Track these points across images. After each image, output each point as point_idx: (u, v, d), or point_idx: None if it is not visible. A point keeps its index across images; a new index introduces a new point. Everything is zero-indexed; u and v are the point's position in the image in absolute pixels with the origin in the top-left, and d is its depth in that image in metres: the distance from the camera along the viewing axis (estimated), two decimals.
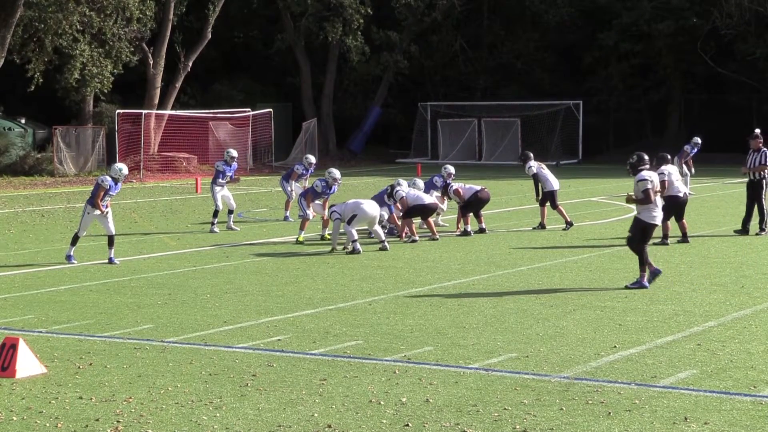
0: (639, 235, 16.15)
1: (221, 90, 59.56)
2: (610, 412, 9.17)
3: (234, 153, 26.35)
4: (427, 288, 16.11)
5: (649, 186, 16.00)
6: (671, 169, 21.36)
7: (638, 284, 15.86)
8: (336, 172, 22.99)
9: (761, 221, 22.56)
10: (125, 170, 19.98)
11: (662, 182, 19.26)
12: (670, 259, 18.88)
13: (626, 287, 15.79)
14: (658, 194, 16.35)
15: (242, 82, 61.00)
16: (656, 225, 16.34)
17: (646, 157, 16.57)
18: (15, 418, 9.22)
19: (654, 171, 16.69)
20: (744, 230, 22.47)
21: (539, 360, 11.13)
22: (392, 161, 58.30)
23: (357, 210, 20.70)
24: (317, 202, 23.16)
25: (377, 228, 21.19)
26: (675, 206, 21.05)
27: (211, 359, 11.35)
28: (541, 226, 24.23)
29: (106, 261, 19.35)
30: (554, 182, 24.24)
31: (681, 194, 21.33)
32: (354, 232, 20.64)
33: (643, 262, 15.97)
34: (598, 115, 58.35)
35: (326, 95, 61.99)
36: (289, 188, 27.25)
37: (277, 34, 60.10)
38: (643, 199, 16.00)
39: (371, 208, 21.02)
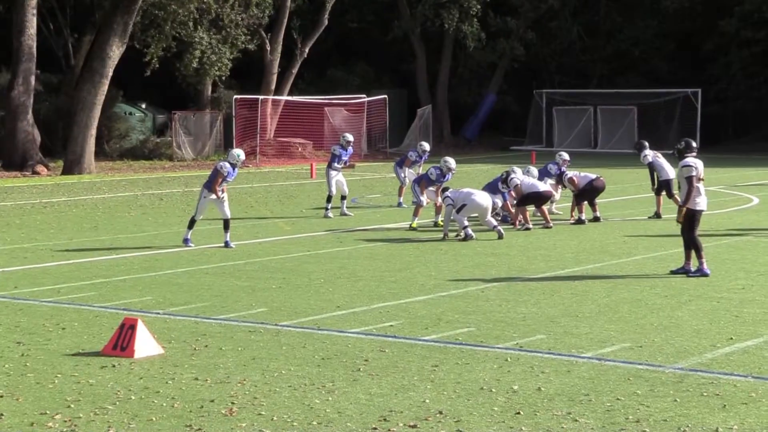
0: (687, 223, 16.05)
1: (337, 76, 59.87)
2: (725, 405, 9.04)
3: (350, 137, 26.43)
4: (540, 276, 16.03)
5: (693, 173, 15.89)
6: None
7: (700, 272, 15.68)
8: (451, 162, 22.92)
9: None
10: (242, 156, 20.26)
11: None
12: None
13: (674, 272, 15.89)
14: (702, 181, 16.13)
15: (358, 68, 61.23)
16: (702, 210, 16.17)
17: (694, 144, 16.57)
18: (133, 397, 9.41)
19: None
20: None
21: (653, 350, 11.02)
22: (506, 149, 58.05)
23: (467, 200, 20.66)
24: (431, 188, 23.18)
25: (489, 219, 21.09)
26: None
27: (323, 343, 11.46)
28: (657, 215, 23.95)
29: (222, 245, 19.62)
30: (670, 171, 23.92)
31: None
32: (464, 219, 20.61)
33: (698, 249, 15.84)
34: (717, 103, 57.36)
35: (441, 82, 61.94)
36: (402, 174, 27.27)
37: (393, 20, 60.21)
38: (687, 186, 15.91)
39: (482, 199, 20.95)
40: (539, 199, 22.51)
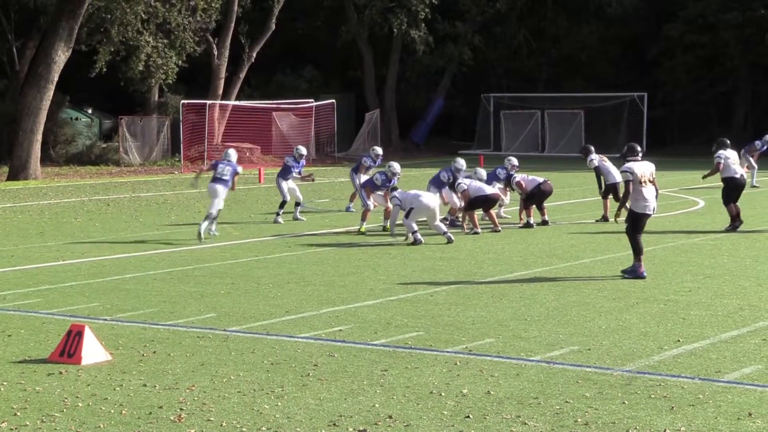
0: (630, 225, 16.40)
1: (285, 81, 59.79)
2: (673, 407, 9.10)
3: (303, 150, 26.24)
4: (489, 280, 16.08)
5: (630, 178, 16.19)
6: (728, 153, 22.13)
7: (632, 273, 15.86)
8: (396, 166, 22.98)
9: None
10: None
11: (717, 164, 21.86)
12: (735, 254, 18.70)
13: (622, 274, 16.08)
14: (649, 184, 16.36)
15: (306, 72, 61.18)
16: (647, 214, 16.43)
17: (638, 148, 16.88)
18: (81, 405, 9.33)
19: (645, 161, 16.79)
20: None
21: (601, 353, 11.07)
22: (455, 152, 58.16)
23: (415, 202, 20.66)
24: (378, 193, 23.20)
25: (438, 224, 21.07)
26: (733, 188, 22.01)
27: (273, 348, 11.42)
28: (604, 218, 24.08)
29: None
30: (617, 175, 24.04)
31: (738, 176, 22.13)
32: (413, 224, 20.63)
33: (637, 252, 16.12)
34: (663, 107, 57.86)
35: (389, 86, 62.02)
36: (357, 181, 27.06)
37: (341, 25, 60.22)
38: (625, 188, 16.43)
39: (430, 200, 20.95)
40: (487, 202, 22.56)
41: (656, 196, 16.64)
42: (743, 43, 57.13)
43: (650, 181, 16.42)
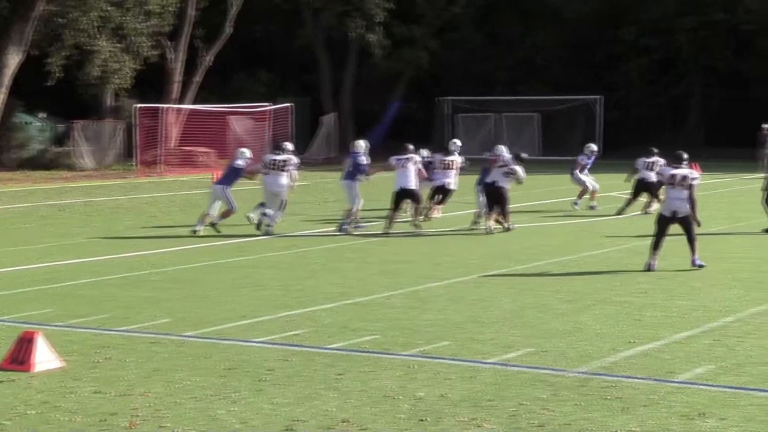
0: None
1: (241, 84, 59.64)
2: (626, 408, 9.14)
3: (248, 153, 25.57)
4: (445, 283, 16.09)
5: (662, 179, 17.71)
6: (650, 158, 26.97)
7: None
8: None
9: None
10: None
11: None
12: (688, 255, 18.81)
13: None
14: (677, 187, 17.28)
15: (262, 76, 61.05)
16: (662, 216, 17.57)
17: (682, 156, 17.80)
18: (32, 412, 9.24)
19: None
20: None
21: (556, 355, 11.11)
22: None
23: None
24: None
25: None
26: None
27: (227, 354, 11.37)
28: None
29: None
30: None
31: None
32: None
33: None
34: (617, 110, 58.19)
35: (346, 90, 62.03)
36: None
37: (297, 29, 60.15)
38: None
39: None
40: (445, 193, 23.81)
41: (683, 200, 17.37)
42: (697, 47, 57.58)
43: (679, 185, 17.22)
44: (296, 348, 11.61)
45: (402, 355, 11.23)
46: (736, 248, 19.83)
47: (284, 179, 23.36)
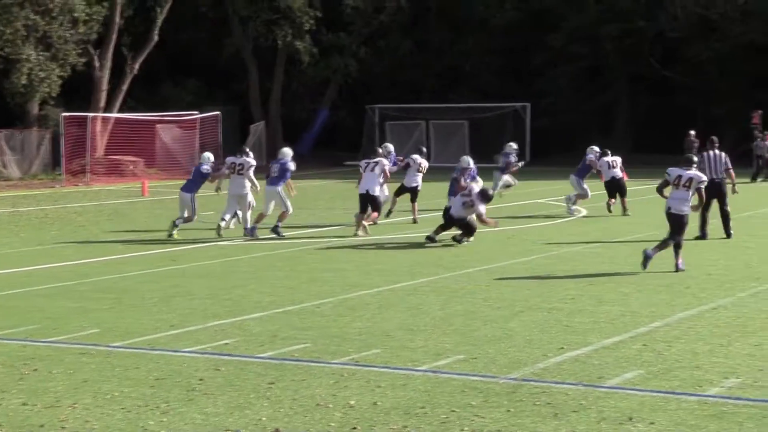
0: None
1: (169, 93, 59.25)
2: (557, 413, 9.20)
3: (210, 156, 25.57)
4: (375, 290, 16.09)
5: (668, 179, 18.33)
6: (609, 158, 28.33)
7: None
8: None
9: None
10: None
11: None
12: (616, 261, 19.01)
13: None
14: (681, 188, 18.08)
15: (190, 85, 60.72)
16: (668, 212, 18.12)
17: (692, 158, 18.61)
18: None
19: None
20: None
21: (487, 362, 11.16)
22: (340, 164, 58.26)
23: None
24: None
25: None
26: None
27: (157, 364, 11.28)
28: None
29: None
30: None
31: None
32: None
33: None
34: (546, 117, 58.59)
35: (274, 98, 61.91)
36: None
37: (225, 37, 59.92)
38: None
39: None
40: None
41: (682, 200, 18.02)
42: (623, 55, 58.18)
43: (683, 186, 17.95)
44: (227, 357, 11.55)
45: (333, 363, 11.21)
46: (663, 254, 20.01)
47: (247, 181, 23.98)
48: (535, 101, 58.14)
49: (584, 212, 28.69)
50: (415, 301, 15.03)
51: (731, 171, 22.35)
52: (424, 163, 27.17)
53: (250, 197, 24.16)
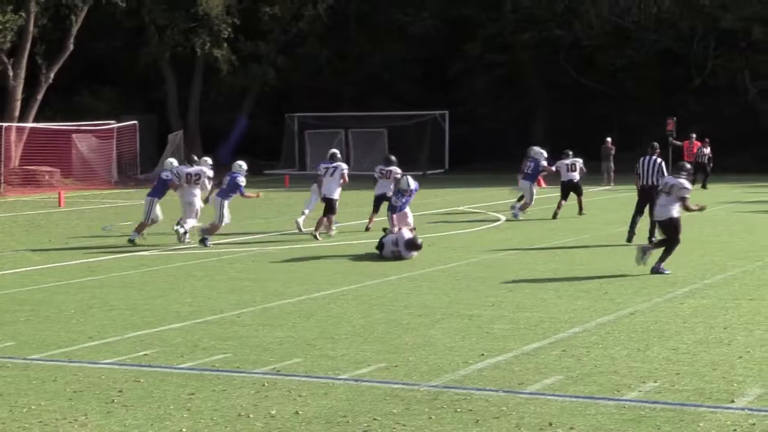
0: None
1: (85, 102, 58.66)
2: (478, 420, 9.24)
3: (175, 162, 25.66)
4: (297, 299, 16.05)
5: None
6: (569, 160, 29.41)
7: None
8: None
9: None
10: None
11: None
12: (535, 267, 19.15)
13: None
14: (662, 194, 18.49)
15: (106, 94, 60.15)
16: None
17: (685, 166, 18.79)
18: None
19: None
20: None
21: (408, 369, 11.17)
22: (260, 172, 58.08)
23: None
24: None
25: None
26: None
27: (75, 376, 11.14)
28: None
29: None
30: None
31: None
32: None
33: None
34: (464, 125, 58.93)
35: (192, 106, 61.58)
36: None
37: (142, 45, 59.46)
38: None
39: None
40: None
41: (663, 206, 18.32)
42: (539, 63, 58.72)
43: (666, 193, 18.23)
44: (146, 368, 11.44)
45: (254, 373, 11.15)
46: (581, 260, 20.24)
47: (197, 190, 24.35)
48: (454, 109, 58.46)
49: (503, 219, 28.88)
50: (336, 310, 15.02)
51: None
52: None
53: (198, 206, 24.44)
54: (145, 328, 13.84)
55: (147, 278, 18.83)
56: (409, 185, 22.45)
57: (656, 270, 17.93)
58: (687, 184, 18.19)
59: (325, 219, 24.70)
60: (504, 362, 11.44)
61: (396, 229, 21.41)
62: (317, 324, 13.94)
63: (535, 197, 29.68)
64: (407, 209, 22.42)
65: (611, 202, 33.78)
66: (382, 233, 21.80)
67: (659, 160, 22.61)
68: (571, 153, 30.15)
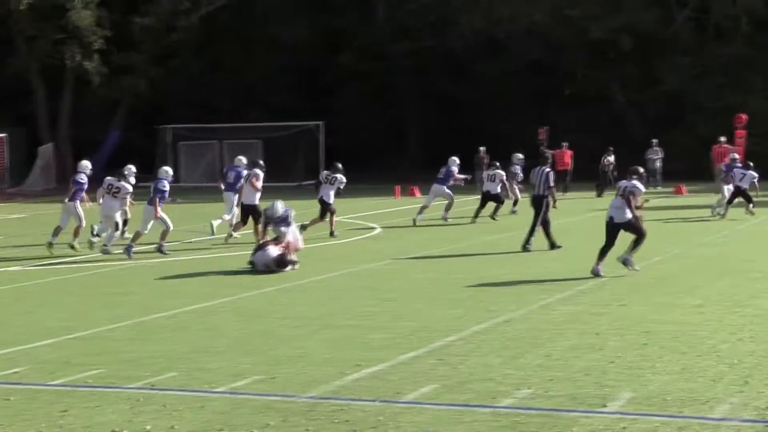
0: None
1: None
2: (355, 430, 9.24)
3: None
4: (171, 313, 15.87)
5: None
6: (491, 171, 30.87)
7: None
8: None
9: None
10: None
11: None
12: (410, 276, 19.25)
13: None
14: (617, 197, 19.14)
15: None
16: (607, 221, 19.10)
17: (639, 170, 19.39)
18: None
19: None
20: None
21: (285, 381, 11.12)
22: (136, 185, 57.34)
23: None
24: None
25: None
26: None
27: None
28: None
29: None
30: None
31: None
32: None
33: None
34: (339, 135, 59.02)
35: (63, 119, 60.60)
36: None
37: (9, 56, 58.35)
38: None
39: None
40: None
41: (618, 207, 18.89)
42: (413, 73, 59.13)
43: (620, 196, 18.89)
44: (16, 386, 11.19)
45: (128, 388, 10.99)
46: (457, 268, 20.39)
47: (117, 203, 24.51)
48: (330, 119, 58.50)
49: (379, 230, 28.98)
50: (212, 323, 14.89)
51: (552, 189, 23.18)
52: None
53: (117, 218, 24.57)
54: (15, 345, 13.55)
55: (18, 294, 18.46)
56: (276, 211, 21.63)
57: (625, 261, 18.74)
58: (640, 185, 19.02)
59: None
60: (380, 372, 11.46)
61: (271, 245, 20.98)
62: (193, 337, 13.81)
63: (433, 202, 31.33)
64: (295, 232, 21.88)
65: (485, 210, 34.14)
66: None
67: (547, 170, 23.17)
68: (498, 164, 32.36)
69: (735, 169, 30.36)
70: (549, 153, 32.69)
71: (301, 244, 21.65)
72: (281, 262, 20.46)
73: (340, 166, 27.95)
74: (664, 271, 19.14)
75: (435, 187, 31.40)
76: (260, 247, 20.93)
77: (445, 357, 12.16)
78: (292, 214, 21.67)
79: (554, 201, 23.55)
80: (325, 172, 28.15)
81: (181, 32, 60.17)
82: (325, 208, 27.28)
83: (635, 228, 18.86)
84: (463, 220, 31.12)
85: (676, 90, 54.83)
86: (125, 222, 25.89)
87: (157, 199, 24.05)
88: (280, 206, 21.71)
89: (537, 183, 23.07)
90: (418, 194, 38.29)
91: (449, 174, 31.44)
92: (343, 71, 59.29)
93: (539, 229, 22.86)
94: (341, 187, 27.63)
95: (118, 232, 24.82)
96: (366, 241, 26.21)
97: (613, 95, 56.77)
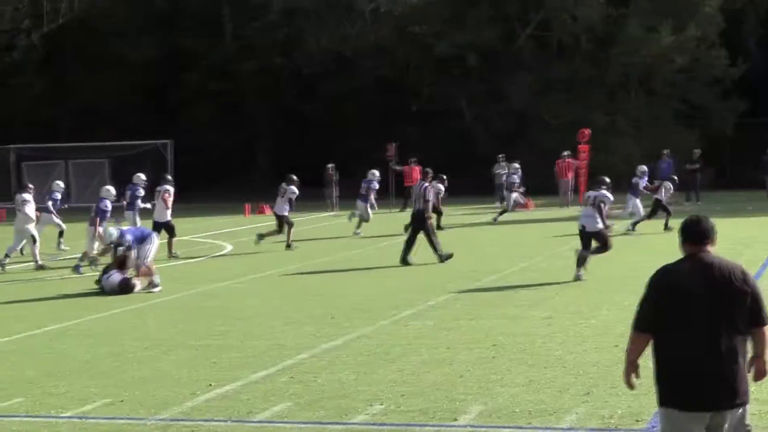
0: None
1: None
2: None
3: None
4: (16, 337, 15.51)
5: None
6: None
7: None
8: None
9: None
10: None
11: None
12: (264, 294, 19.19)
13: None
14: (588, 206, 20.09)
15: None
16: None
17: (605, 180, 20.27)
18: None
19: None
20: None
21: (135, 404, 10.97)
22: None
23: None
24: None
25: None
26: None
27: None
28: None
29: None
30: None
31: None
32: None
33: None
34: (189, 153, 58.42)
35: None
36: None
37: None
38: None
39: None
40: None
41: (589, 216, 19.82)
42: (262, 91, 59.00)
43: (590, 205, 19.83)
44: None
45: None
46: (308, 285, 20.39)
47: (26, 217, 24.93)
48: (179, 137, 57.86)
49: (230, 247, 28.82)
50: (59, 346, 14.60)
51: (428, 203, 23.52)
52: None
53: (33, 231, 24.88)
54: None
55: None
56: (111, 235, 21.01)
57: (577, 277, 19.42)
58: (608, 195, 19.97)
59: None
60: (232, 391, 11.39)
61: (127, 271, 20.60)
62: (39, 361, 13.52)
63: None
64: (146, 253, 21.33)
65: (337, 227, 34.22)
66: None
67: (425, 185, 23.77)
68: (444, 177, 32.38)
69: (639, 181, 30.83)
70: (399, 168, 33.51)
71: (152, 266, 21.02)
72: (125, 287, 20.13)
73: (295, 177, 28.36)
74: (513, 284, 19.43)
75: (358, 203, 32.59)
76: (105, 272, 20.60)
77: (297, 375, 12.14)
78: (129, 237, 20.92)
79: (429, 217, 23.71)
80: (283, 184, 28.20)
81: (20, 51, 58.96)
82: (281, 221, 27.62)
83: (603, 238, 19.81)
84: (317, 236, 31.13)
85: (521, 106, 55.76)
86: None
87: (98, 219, 24.31)
88: (113, 231, 21.25)
89: (416, 198, 23.70)
90: (267, 212, 38.16)
91: (369, 190, 32.76)
92: (192, 90, 58.78)
93: (425, 243, 23.15)
94: (293, 198, 28.00)
95: (31, 248, 25.10)
96: (217, 260, 26.02)
97: (461, 111, 57.49)
